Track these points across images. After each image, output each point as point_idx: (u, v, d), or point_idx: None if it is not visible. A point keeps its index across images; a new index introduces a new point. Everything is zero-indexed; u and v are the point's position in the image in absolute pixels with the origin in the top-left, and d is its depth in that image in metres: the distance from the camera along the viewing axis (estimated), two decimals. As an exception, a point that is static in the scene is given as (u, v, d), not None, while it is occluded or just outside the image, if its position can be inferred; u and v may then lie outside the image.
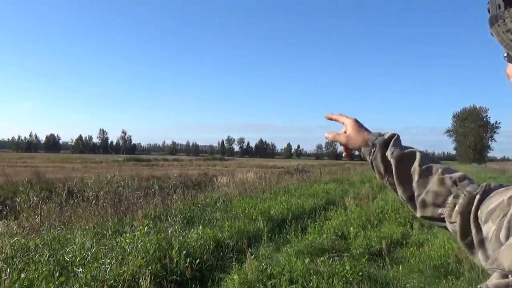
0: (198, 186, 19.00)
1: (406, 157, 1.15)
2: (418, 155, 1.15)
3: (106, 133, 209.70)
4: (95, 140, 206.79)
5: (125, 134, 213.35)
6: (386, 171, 1.18)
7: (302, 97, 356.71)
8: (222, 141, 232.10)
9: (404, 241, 8.31)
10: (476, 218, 0.97)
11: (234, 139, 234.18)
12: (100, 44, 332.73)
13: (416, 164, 1.13)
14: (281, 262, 6.34)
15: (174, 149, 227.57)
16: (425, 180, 1.10)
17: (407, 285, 5.88)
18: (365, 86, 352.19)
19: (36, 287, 4.70)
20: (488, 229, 0.90)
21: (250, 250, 7.09)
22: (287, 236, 8.54)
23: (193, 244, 6.86)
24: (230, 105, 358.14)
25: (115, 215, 8.95)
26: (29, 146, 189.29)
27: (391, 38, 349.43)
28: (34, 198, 9.05)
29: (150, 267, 5.58)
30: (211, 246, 7.01)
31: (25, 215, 8.45)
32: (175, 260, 6.03)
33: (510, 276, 0.69)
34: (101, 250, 6.03)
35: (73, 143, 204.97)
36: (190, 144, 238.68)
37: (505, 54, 0.74)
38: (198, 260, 6.24)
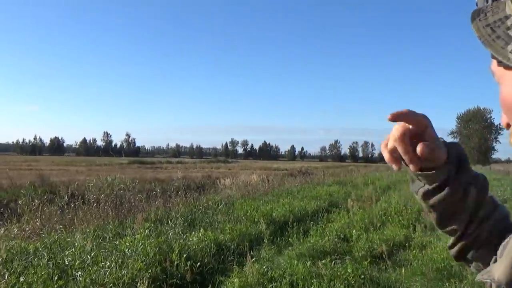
0: (201, 188, 18.98)
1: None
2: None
3: (110, 135, 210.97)
4: (99, 142, 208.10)
5: (129, 136, 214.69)
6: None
7: (306, 99, 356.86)
8: (226, 144, 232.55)
9: (407, 244, 8.25)
10: None
11: (238, 142, 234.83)
12: (104, 47, 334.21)
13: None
14: (282, 265, 6.31)
15: (178, 152, 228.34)
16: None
17: (409, 288, 5.83)
18: (366, 87, 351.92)
19: (35, 291, 4.68)
20: None
21: (251, 253, 7.05)
22: (289, 239, 8.50)
23: (194, 247, 6.83)
24: (233, 107, 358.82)
25: (116, 218, 8.93)
26: (33, 149, 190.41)
27: (393, 38, 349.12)
28: (36, 201, 9.05)
29: (150, 271, 5.55)
30: (212, 249, 6.97)
31: (26, 218, 8.43)
32: (176, 263, 6.00)
33: (498, 286, 0.70)
34: (101, 253, 6.01)
35: (77, 146, 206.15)
36: (194, 146, 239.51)
37: None
38: (198, 263, 6.21)
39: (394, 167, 0.83)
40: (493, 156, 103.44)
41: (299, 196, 14.92)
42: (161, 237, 7.07)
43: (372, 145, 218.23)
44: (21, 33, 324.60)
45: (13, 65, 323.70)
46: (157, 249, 6.29)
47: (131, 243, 6.51)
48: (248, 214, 10.39)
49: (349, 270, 5.89)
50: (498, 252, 0.81)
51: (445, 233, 0.93)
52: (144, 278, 5.15)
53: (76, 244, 6.41)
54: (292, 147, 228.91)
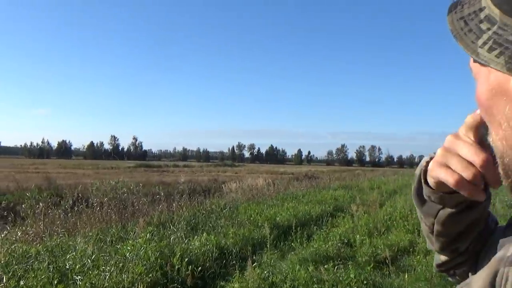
0: (207, 192, 18.99)
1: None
2: None
3: (118, 139, 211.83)
4: (107, 146, 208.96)
5: (136, 140, 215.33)
6: None
7: (313, 103, 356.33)
8: (233, 147, 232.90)
9: (411, 249, 8.16)
10: None
11: (244, 145, 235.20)
12: (111, 51, 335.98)
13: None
14: (284, 270, 6.25)
15: (184, 155, 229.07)
16: None
17: (412, 294, 5.77)
18: (374, 91, 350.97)
19: (34, 294, 4.67)
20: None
21: (254, 257, 7.01)
22: (292, 244, 8.45)
23: (196, 251, 6.80)
24: (240, 111, 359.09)
25: (120, 222, 8.93)
26: (41, 152, 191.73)
27: (401, 39, 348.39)
28: (40, 204, 9.07)
29: (150, 275, 5.53)
30: (214, 253, 6.94)
31: (29, 221, 8.46)
32: (177, 267, 5.97)
33: None
34: (102, 257, 5.99)
35: (84, 149, 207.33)
36: (201, 150, 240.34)
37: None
38: (200, 268, 6.17)
39: (478, 195, 0.66)
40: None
41: (304, 200, 14.87)
42: (163, 241, 7.05)
43: (379, 149, 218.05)
44: (30, 38, 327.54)
45: (22, 69, 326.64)
46: (159, 253, 6.27)
47: (132, 247, 6.50)
48: (251, 218, 10.35)
49: (352, 276, 5.82)
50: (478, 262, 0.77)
51: (441, 252, 0.87)
52: (144, 282, 5.13)
53: (78, 247, 6.40)
54: (299, 151, 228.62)
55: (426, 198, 0.79)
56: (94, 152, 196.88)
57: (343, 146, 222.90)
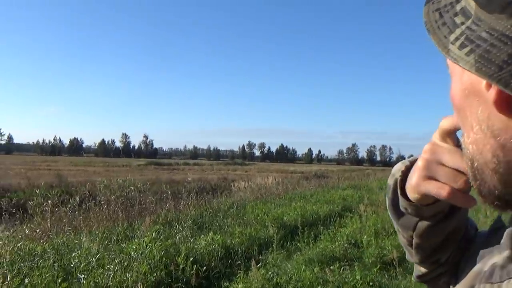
0: (217, 190, 19.02)
1: None
2: None
3: (129, 137, 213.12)
4: (118, 144, 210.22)
5: (147, 138, 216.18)
6: None
7: (324, 103, 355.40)
8: (243, 146, 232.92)
9: (419, 250, 8.08)
10: None
11: (255, 144, 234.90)
12: (123, 49, 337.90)
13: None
14: (289, 270, 6.21)
15: (195, 154, 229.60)
16: None
17: (418, 296, 5.69)
18: (385, 91, 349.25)
19: (39, 292, 4.68)
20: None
21: (260, 257, 6.98)
22: (298, 244, 8.40)
23: (202, 250, 6.79)
24: (251, 110, 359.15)
25: (126, 220, 8.94)
26: (53, 149, 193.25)
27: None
28: (49, 201, 9.10)
29: (155, 274, 5.52)
30: (220, 253, 6.92)
31: (37, 219, 8.50)
32: (181, 267, 5.96)
33: None
34: (107, 256, 6.00)
35: (96, 147, 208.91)
36: (211, 148, 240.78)
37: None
38: (205, 268, 6.15)
39: (470, 202, 0.61)
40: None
41: (312, 199, 14.80)
42: (169, 240, 7.04)
43: (390, 148, 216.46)
44: (42, 35, 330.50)
45: (34, 66, 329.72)
46: (164, 252, 6.26)
47: (138, 246, 6.50)
48: (258, 217, 10.32)
49: (358, 277, 5.77)
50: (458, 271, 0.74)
51: (421, 264, 0.81)
52: (148, 281, 5.12)
53: (82, 246, 6.42)
54: (309, 150, 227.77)
55: (402, 210, 0.74)
56: (105, 149, 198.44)
57: (353, 145, 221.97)
